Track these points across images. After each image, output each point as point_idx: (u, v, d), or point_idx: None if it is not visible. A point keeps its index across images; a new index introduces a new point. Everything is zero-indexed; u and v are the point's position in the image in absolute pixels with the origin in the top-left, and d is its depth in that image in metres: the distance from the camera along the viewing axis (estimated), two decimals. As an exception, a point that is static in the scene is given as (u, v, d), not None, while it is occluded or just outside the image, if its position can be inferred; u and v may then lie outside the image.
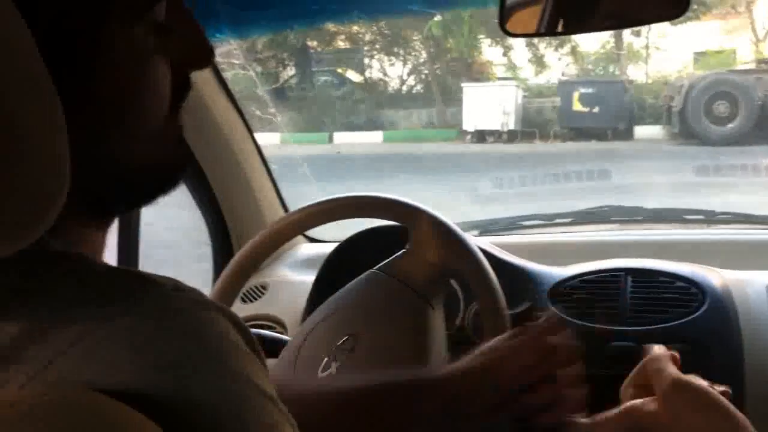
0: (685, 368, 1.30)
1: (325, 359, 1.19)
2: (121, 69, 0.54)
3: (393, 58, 15.53)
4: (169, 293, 0.49)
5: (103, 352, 0.44)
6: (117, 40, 0.53)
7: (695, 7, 11.89)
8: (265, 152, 1.88)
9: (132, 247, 1.61)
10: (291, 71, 15.14)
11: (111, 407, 0.42)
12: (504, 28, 1.19)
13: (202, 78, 1.63)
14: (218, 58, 1.74)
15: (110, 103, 0.54)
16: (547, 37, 10.91)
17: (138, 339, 0.45)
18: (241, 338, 0.50)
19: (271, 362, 1.31)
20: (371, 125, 13.48)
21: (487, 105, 11.75)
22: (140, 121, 0.56)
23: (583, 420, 0.88)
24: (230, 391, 0.47)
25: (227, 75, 1.76)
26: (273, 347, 1.33)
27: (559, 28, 1.18)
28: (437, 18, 12.44)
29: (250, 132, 1.82)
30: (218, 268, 1.82)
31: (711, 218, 1.95)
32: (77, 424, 0.41)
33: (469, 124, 12.01)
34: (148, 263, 1.67)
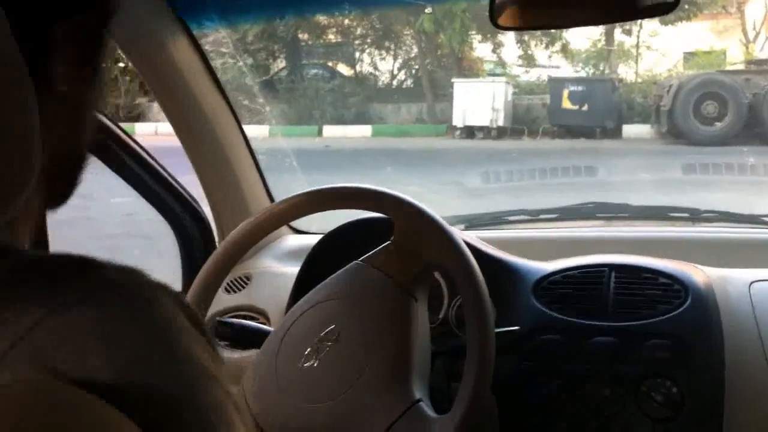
0: (666, 364, 1.31)
1: (308, 350, 1.19)
2: (95, 58, 0.55)
3: (384, 52, 15.51)
4: (114, 275, 0.49)
5: (55, 340, 0.44)
6: (90, 31, 0.54)
7: (686, 7, 11.93)
8: (253, 144, 1.87)
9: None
10: (281, 63, 15.10)
11: (66, 392, 0.42)
12: (494, 22, 1.18)
13: (189, 65, 1.62)
14: (207, 47, 1.73)
15: (82, 94, 0.54)
16: (537, 32, 10.93)
17: (87, 326, 0.45)
18: (185, 317, 0.50)
19: (253, 353, 1.31)
20: (361, 119, 13.45)
21: (477, 101, 11.73)
22: (94, 112, 0.57)
23: None
24: (179, 374, 0.46)
25: (216, 63, 1.75)
26: (256, 338, 1.33)
27: (550, 22, 1.17)
28: (428, 12, 12.41)
29: (238, 122, 1.81)
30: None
31: (696, 216, 1.96)
32: (31, 410, 0.41)
33: (459, 119, 11.99)
34: (127, 254, 1.66)
